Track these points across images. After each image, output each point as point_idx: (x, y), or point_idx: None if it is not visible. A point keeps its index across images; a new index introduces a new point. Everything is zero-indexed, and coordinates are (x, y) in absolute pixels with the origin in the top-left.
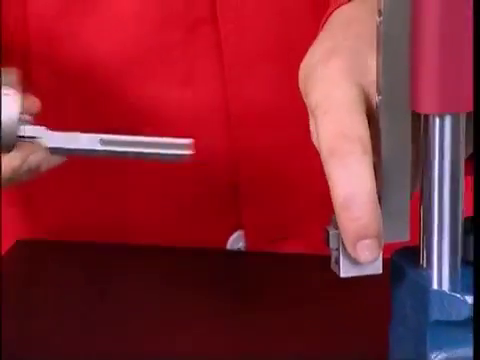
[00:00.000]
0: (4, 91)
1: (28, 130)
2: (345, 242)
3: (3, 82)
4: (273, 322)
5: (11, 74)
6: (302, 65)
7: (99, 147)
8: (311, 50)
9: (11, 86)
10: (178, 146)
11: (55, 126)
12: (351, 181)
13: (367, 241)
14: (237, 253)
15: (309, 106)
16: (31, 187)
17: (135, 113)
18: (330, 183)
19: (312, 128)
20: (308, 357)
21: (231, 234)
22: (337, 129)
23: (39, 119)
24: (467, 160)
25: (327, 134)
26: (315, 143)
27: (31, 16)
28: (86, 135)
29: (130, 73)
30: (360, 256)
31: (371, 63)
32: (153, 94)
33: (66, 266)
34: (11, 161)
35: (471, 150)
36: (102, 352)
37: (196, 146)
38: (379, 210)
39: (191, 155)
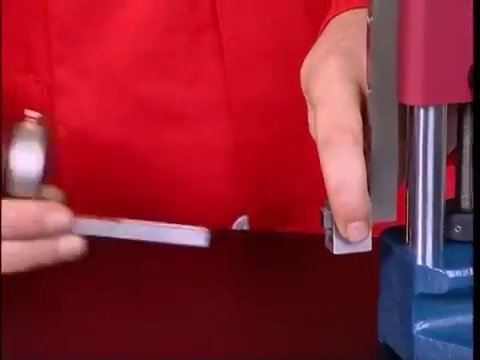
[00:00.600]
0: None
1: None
2: (337, 223)
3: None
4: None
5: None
6: (304, 66)
7: (116, 234)
8: (312, 52)
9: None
10: (195, 237)
11: (72, 121)
12: (342, 169)
13: (356, 223)
14: (243, 232)
15: (310, 101)
16: None
17: (145, 109)
18: (324, 170)
19: (310, 120)
20: (304, 320)
21: (236, 219)
22: (332, 121)
23: (59, 114)
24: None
25: (323, 125)
26: (312, 134)
27: (52, 19)
28: (105, 223)
29: (141, 73)
30: (350, 236)
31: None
32: (162, 92)
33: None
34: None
35: (454, 146)
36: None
37: (201, 140)
38: (367, 195)
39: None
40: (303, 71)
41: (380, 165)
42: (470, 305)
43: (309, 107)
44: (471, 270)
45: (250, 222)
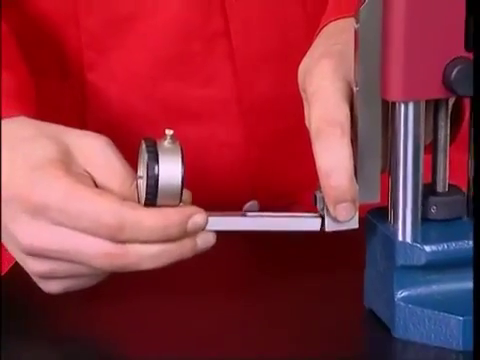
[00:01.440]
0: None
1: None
2: (327, 204)
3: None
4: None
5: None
6: (301, 66)
7: (242, 227)
8: (308, 54)
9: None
10: (311, 223)
11: (101, 119)
12: (332, 157)
13: (344, 204)
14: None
15: (306, 97)
16: None
17: (165, 108)
18: (316, 157)
19: (306, 114)
20: (299, 289)
21: (245, 203)
22: (323, 115)
23: (90, 113)
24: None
25: (315, 118)
26: (307, 125)
27: (83, 31)
28: (233, 218)
29: (161, 76)
30: (339, 215)
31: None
32: (180, 92)
33: None
34: (36, 266)
35: (430, 139)
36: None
37: (215, 134)
38: (354, 180)
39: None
40: (300, 71)
41: (366, 153)
42: (445, 276)
43: (305, 103)
44: (446, 245)
45: (259, 205)
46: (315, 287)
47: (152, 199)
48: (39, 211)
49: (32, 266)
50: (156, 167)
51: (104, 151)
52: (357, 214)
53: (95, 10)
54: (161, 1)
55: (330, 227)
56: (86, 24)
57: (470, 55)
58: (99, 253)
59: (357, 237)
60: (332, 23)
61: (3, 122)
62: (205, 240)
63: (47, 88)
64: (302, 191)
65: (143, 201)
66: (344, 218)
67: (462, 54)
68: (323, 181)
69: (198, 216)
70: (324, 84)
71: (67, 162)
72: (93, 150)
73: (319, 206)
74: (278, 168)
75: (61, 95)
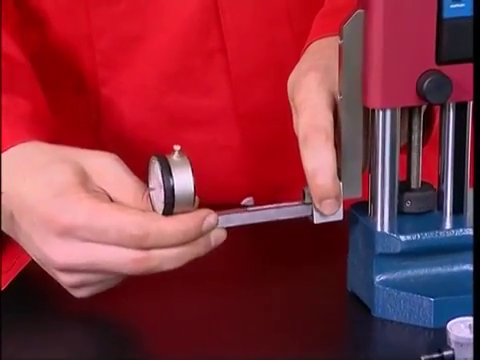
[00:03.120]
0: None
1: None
2: (314, 201)
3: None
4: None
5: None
6: (289, 79)
7: (249, 221)
8: (296, 68)
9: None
10: (303, 210)
11: (113, 129)
12: (317, 159)
13: (329, 200)
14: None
15: (293, 106)
16: None
17: (170, 117)
18: (303, 160)
19: (295, 122)
20: (288, 276)
21: (242, 200)
22: (309, 122)
23: (104, 124)
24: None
25: (303, 125)
26: (295, 131)
27: (96, 51)
28: (240, 214)
29: (166, 89)
30: (324, 210)
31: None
32: (183, 103)
33: None
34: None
35: (405, 141)
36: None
37: (215, 139)
38: (337, 179)
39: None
40: (289, 83)
41: (349, 155)
42: (418, 262)
43: (293, 111)
44: (419, 235)
45: (255, 203)
46: (303, 272)
47: (170, 208)
48: (67, 232)
49: (65, 279)
50: (171, 179)
51: (114, 168)
52: (342, 207)
53: (107, 32)
54: (165, 23)
55: (318, 220)
56: (99, 44)
57: (440, 68)
58: (127, 261)
59: (341, 228)
60: (316, 42)
61: (17, 149)
62: (218, 237)
63: (64, 102)
64: (292, 187)
65: (161, 211)
66: (329, 213)
67: (433, 67)
68: (310, 181)
69: (210, 217)
70: (310, 95)
71: (84, 182)
72: (105, 168)
73: (307, 201)
74: (271, 167)
75: (76, 108)
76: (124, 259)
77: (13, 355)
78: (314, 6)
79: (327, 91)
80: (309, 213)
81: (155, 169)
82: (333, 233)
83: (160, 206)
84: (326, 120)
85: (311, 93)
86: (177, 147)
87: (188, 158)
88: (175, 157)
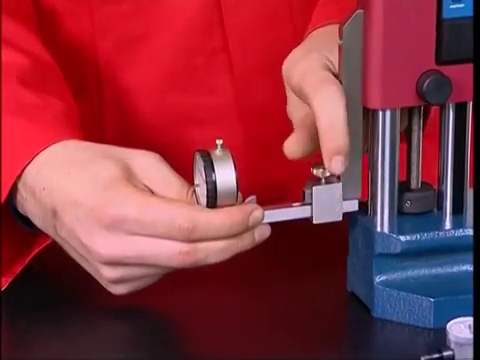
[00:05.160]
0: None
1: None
2: (324, 157)
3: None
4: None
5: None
6: (286, 61)
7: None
8: (294, 51)
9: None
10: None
11: (117, 128)
12: (332, 112)
13: (339, 157)
14: None
15: (290, 85)
16: None
17: (174, 115)
18: (316, 114)
19: (289, 106)
20: (289, 275)
21: (245, 196)
22: (321, 78)
23: (108, 124)
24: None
25: (314, 81)
26: (288, 114)
27: (99, 51)
28: (281, 210)
29: (169, 88)
30: (333, 167)
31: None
32: (186, 101)
33: None
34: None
35: (405, 125)
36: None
37: (218, 137)
38: (348, 136)
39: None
40: (284, 65)
41: (349, 156)
42: (418, 262)
43: (288, 95)
44: (419, 235)
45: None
46: (304, 273)
47: (213, 202)
48: (115, 224)
49: (106, 273)
50: (213, 174)
51: (158, 166)
52: (341, 208)
53: (110, 31)
54: (167, 22)
55: (317, 219)
56: (103, 45)
57: (440, 68)
58: (174, 253)
59: (341, 228)
60: (315, 31)
61: (59, 146)
62: (262, 232)
63: None
64: (291, 185)
65: (205, 206)
66: (337, 170)
67: (433, 67)
68: (323, 134)
69: (257, 212)
70: (313, 68)
71: (129, 178)
72: (149, 166)
73: (307, 201)
74: (272, 165)
75: (80, 107)
76: (172, 252)
77: (18, 354)
78: (316, 4)
79: (327, 70)
80: (309, 214)
81: (198, 165)
82: (333, 233)
83: (203, 201)
84: (334, 78)
85: (314, 67)
86: (219, 141)
87: (230, 152)
88: (217, 152)
